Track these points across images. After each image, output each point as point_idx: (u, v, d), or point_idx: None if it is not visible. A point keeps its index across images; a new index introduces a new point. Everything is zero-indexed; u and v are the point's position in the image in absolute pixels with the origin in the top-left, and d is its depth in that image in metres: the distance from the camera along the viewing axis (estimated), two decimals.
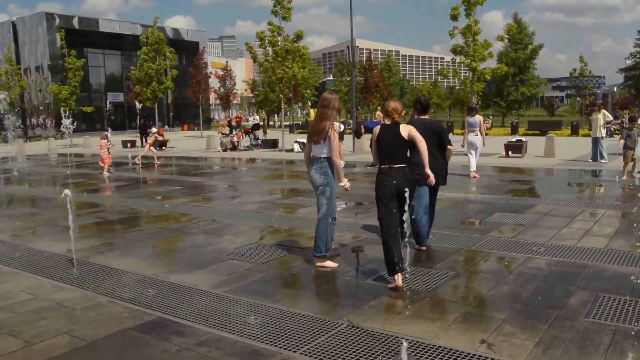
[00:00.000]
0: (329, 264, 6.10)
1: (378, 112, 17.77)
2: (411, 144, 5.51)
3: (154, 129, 21.60)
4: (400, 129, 5.52)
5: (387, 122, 5.71)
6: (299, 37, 23.84)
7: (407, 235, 5.34)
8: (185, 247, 7.34)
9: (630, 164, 12.86)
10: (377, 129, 5.70)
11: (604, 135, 16.98)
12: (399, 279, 5.29)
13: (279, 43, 23.64)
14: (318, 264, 6.11)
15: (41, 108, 50.96)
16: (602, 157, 16.63)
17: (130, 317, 4.71)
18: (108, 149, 17.50)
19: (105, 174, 16.54)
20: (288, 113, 70.14)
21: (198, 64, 49.49)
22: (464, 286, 5.47)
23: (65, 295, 5.35)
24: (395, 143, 5.48)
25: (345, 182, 6.06)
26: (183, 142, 33.29)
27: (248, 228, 8.30)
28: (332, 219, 6.16)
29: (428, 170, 5.55)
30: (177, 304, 5.00)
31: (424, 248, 6.76)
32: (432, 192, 6.77)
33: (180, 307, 4.90)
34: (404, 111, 5.79)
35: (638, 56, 50.80)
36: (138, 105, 30.94)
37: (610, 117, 18.49)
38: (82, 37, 49.61)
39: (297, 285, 5.68)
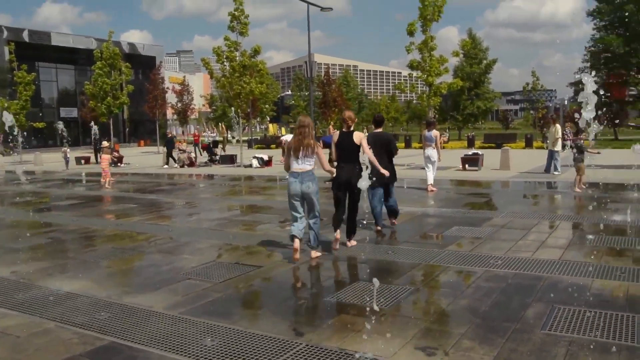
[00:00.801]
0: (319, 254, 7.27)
1: (330, 126, 17.86)
2: (360, 147, 7.24)
3: (105, 143, 21.12)
4: (354, 136, 7.26)
5: (344, 129, 7.43)
6: (256, 52, 23.86)
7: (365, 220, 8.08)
8: (141, 267, 7.15)
9: (577, 176, 13.18)
10: (336, 134, 7.47)
11: (558, 149, 17.40)
12: (337, 234, 7.48)
13: (237, 58, 23.56)
14: (316, 255, 7.17)
15: None
16: (555, 169, 17.08)
17: (80, 343, 4.52)
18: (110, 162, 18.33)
19: (107, 187, 16.98)
20: (246, 128, 69.87)
21: (155, 78, 48.92)
22: (423, 301, 5.49)
23: (10, 322, 5.10)
24: (348, 146, 7.26)
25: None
26: (139, 158, 32.67)
27: (205, 246, 8.15)
28: (320, 218, 7.34)
29: (382, 169, 7.80)
30: (131, 327, 4.83)
31: (379, 228, 8.77)
32: (386, 187, 8.77)
33: (134, 331, 4.74)
34: (356, 119, 7.82)
35: (586, 71, 52.76)
36: (94, 127, 30.18)
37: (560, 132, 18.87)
38: (33, 50, 48.39)
39: (255, 305, 5.58)
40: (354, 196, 7.40)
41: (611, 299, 5.26)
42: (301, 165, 6.90)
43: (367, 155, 7.24)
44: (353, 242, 7.75)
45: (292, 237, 6.93)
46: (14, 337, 4.71)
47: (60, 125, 28.76)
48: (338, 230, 7.52)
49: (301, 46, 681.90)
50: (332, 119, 46.59)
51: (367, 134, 9.62)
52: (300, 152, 6.88)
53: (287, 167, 7.11)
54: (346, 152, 7.26)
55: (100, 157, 18.96)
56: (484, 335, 4.42)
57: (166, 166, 25.65)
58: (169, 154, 26.05)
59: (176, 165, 25.45)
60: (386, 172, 7.96)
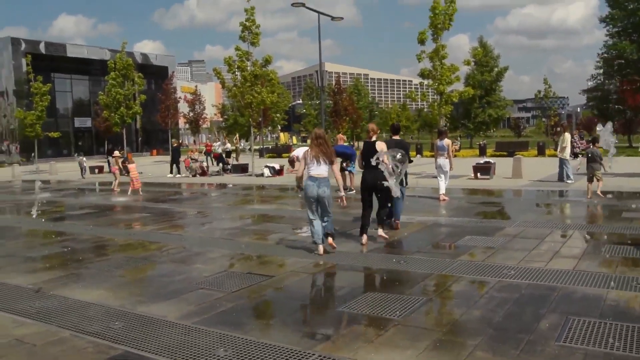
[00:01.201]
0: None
1: (339, 135, 17.79)
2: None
3: (116, 152, 21.32)
4: (377, 145, 8.46)
5: (367, 139, 8.81)
6: (267, 61, 23.92)
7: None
8: (154, 277, 7.18)
9: (597, 183, 13.06)
10: (362, 144, 8.92)
11: (567, 157, 17.24)
12: (365, 239, 8.43)
13: (248, 68, 23.69)
14: (331, 242, 7.96)
15: (5, 134, 49.87)
16: (567, 177, 16.93)
17: (95, 352, 4.55)
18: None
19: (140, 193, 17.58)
20: (258, 137, 70.09)
21: (167, 88, 49.25)
22: (435, 312, 5.46)
23: (26, 330, 5.15)
24: (372, 153, 8.28)
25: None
26: (152, 167, 32.87)
27: (218, 256, 8.18)
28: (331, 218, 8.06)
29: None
30: (145, 336, 4.86)
31: (398, 221, 9.75)
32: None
33: (147, 340, 4.76)
34: (378, 130, 9.14)
35: (599, 78, 52.40)
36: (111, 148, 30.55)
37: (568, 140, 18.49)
38: (49, 61, 49.01)
39: (267, 315, 5.59)
40: (382, 195, 8.56)
41: (627, 310, 5.20)
42: (319, 171, 7.71)
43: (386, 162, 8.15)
44: (384, 234, 8.80)
45: (315, 243, 7.85)
46: (30, 346, 4.76)
47: (81, 157, 29.10)
48: (365, 236, 8.48)
49: (312, 55, 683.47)
50: (343, 128, 46.61)
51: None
52: (319, 159, 7.72)
53: (300, 175, 8.10)
54: (369, 158, 8.31)
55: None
56: (498, 347, 4.39)
57: (170, 175, 25.71)
58: (176, 163, 26.13)
59: (181, 174, 25.55)
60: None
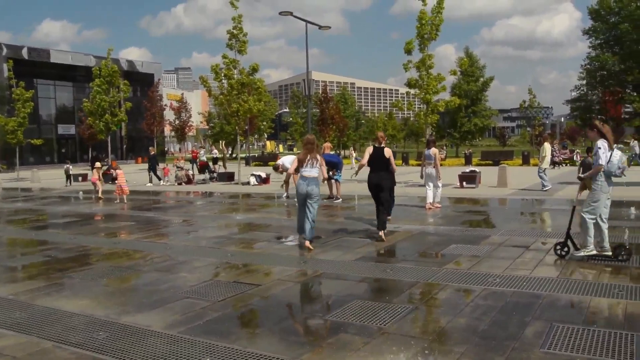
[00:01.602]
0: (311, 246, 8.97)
1: (326, 144, 17.76)
2: (389, 160, 9.86)
3: (97, 164, 21.23)
4: (384, 151, 9.88)
5: (376, 144, 10.09)
6: (254, 70, 23.92)
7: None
8: (138, 286, 7.13)
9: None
10: (370, 148, 10.01)
11: (545, 166, 17.66)
12: (382, 234, 9.52)
13: (235, 76, 23.68)
14: (310, 245, 8.88)
15: None
16: (543, 186, 17.21)
17: None
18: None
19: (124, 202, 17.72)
20: (244, 145, 70.05)
21: (153, 96, 49.09)
22: (422, 320, 5.49)
23: (7, 342, 5.08)
24: (379, 158, 9.83)
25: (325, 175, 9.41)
26: (137, 175, 32.61)
27: (203, 264, 8.14)
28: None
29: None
30: (129, 347, 4.82)
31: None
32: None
33: (132, 351, 4.73)
34: (385, 137, 10.65)
35: (582, 89, 53.21)
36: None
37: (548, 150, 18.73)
38: (32, 67, 48.65)
39: (253, 324, 5.57)
40: (384, 195, 9.76)
41: (610, 317, 5.27)
42: (309, 172, 8.95)
43: (394, 166, 10.01)
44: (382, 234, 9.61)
45: (302, 237, 9.11)
46: (10, 358, 4.69)
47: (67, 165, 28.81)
48: (382, 232, 9.54)
49: (299, 63, 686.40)
50: (329, 136, 46.72)
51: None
52: (310, 162, 8.98)
53: (291, 173, 10.31)
54: (377, 163, 9.81)
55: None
56: (484, 354, 4.42)
57: (150, 184, 25.53)
58: (153, 171, 25.91)
59: (162, 183, 25.37)
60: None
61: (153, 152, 27.33)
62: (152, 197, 20.10)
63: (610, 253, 7.48)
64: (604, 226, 7.46)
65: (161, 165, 26.59)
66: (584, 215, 7.52)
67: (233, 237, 10.69)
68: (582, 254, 7.58)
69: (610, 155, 7.31)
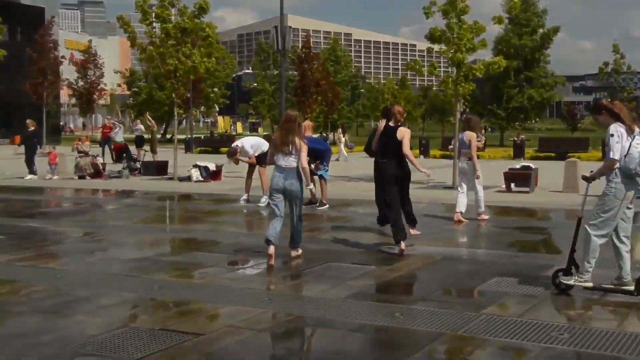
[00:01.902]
0: (300, 251, 9.92)
1: (306, 122, 16.98)
2: (401, 143, 10.35)
3: None
4: (397, 131, 10.39)
5: (391, 123, 10.51)
6: (202, 9, 23.80)
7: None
8: (7, 337, 6.88)
9: None
10: (382, 123, 10.66)
11: None
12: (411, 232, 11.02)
13: (172, 18, 23.53)
14: (297, 253, 9.81)
15: None
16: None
17: None
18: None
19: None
20: (184, 122, 69.90)
21: (43, 42, 48.63)
22: None
23: None
24: (388, 140, 10.41)
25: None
26: (13, 162, 32.14)
27: (114, 302, 7.99)
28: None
29: (422, 168, 10.99)
30: None
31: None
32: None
33: None
34: (405, 113, 11.28)
35: None
36: None
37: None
38: None
39: None
40: (403, 191, 10.73)
41: None
42: (287, 161, 9.38)
43: (406, 153, 10.44)
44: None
45: (267, 241, 9.27)
46: None
47: None
48: (403, 243, 10.05)
49: (269, 3, 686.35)
50: (312, 112, 46.74)
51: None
52: (285, 148, 9.38)
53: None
54: (384, 146, 10.43)
55: None
56: None
57: (31, 177, 25.13)
58: (29, 159, 25.43)
59: (37, 177, 24.91)
60: (428, 172, 11.58)
61: (33, 128, 26.91)
62: (35, 197, 19.89)
63: (632, 287, 7.44)
64: (624, 248, 7.51)
65: (47, 149, 26.10)
66: (588, 229, 7.60)
67: (162, 259, 10.57)
68: (571, 282, 7.63)
69: (630, 146, 7.27)
